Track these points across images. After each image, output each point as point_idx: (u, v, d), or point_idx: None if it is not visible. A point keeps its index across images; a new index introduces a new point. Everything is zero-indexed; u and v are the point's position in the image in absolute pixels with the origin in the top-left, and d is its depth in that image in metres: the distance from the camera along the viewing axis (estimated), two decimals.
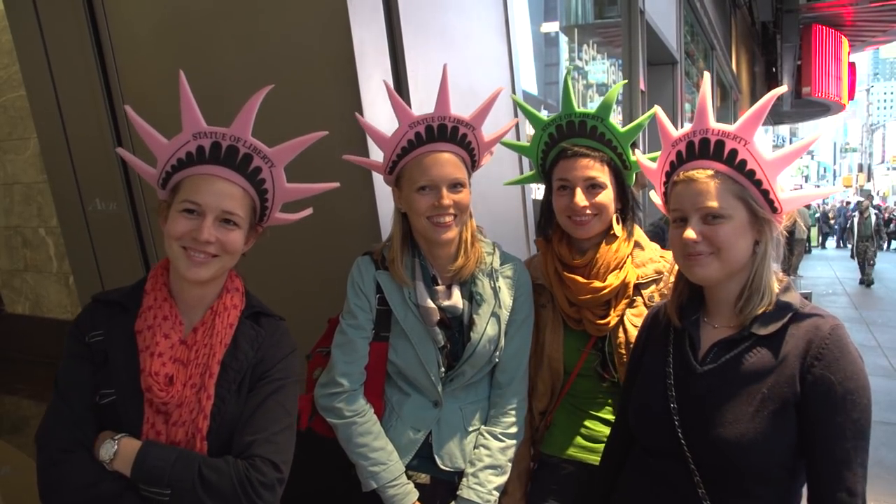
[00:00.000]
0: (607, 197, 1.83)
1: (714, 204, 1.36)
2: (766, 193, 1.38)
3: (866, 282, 14.43)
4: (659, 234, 3.44)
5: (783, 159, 1.37)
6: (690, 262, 1.41)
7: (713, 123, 1.39)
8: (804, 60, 16.89)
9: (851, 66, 19.35)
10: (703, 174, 1.39)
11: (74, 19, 2.80)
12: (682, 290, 1.53)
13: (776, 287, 1.42)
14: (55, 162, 3.19)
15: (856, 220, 15.60)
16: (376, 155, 1.81)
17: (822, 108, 20.29)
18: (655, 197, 1.61)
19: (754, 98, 16.90)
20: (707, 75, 1.48)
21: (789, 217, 1.45)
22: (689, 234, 1.38)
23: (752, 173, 1.37)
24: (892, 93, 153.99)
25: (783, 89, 1.53)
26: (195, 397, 1.38)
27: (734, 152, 1.37)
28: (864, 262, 14.75)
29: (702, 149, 1.41)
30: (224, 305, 1.48)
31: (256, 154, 1.43)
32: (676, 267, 1.51)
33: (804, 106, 19.67)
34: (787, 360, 1.35)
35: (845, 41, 17.84)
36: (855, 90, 21.11)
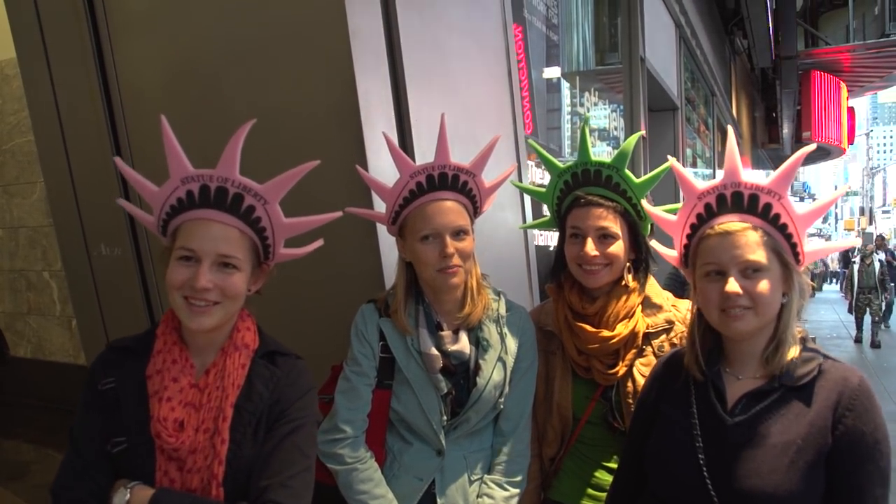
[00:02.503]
0: (619, 248, 1.83)
1: (755, 258, 1.37)
2: (794, 246, 1.40)
3: (864, 339, 12.33)
4: (676, 283, 3.38)
5: (813, 213, 1.40)
6: (729, 319, 1.40)
7: (745, 177, 1.40)
8: (804, 105, 17.02)
9: (850, 110, 19.48)
10: (740, 227, 1.39)
11: (84, 67, 2.84)
12: (702, 342, 1.51)
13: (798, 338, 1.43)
14: (61, 206, 3.20)
15: (856, 267, 13.13)
16: (381, 205, 1.83)
17: (823, 153, 20.38)
18: (663, 248, 1.61)
19: (755, 142, 17.01)
20: (731, 131, 1.51)
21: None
22: (733, 287, 1.37)
23: (784, 227, 1.39)
24: (891, 137, 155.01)
25: (811, 147, 1.56)
26: (209, 442, 1.35)
27: (769, 206, 1.39)
28: (863, 316, 12.57)
29: (735, 202, 1.41)
30: (235, 345, 1.44)
31: (247, 193, 1.39)
32: (689, 318, 1.51)
33: None
34: (820, 411, 1.35)
35: (844, 87, 18.01)
36: (855, 134, 21.24)
